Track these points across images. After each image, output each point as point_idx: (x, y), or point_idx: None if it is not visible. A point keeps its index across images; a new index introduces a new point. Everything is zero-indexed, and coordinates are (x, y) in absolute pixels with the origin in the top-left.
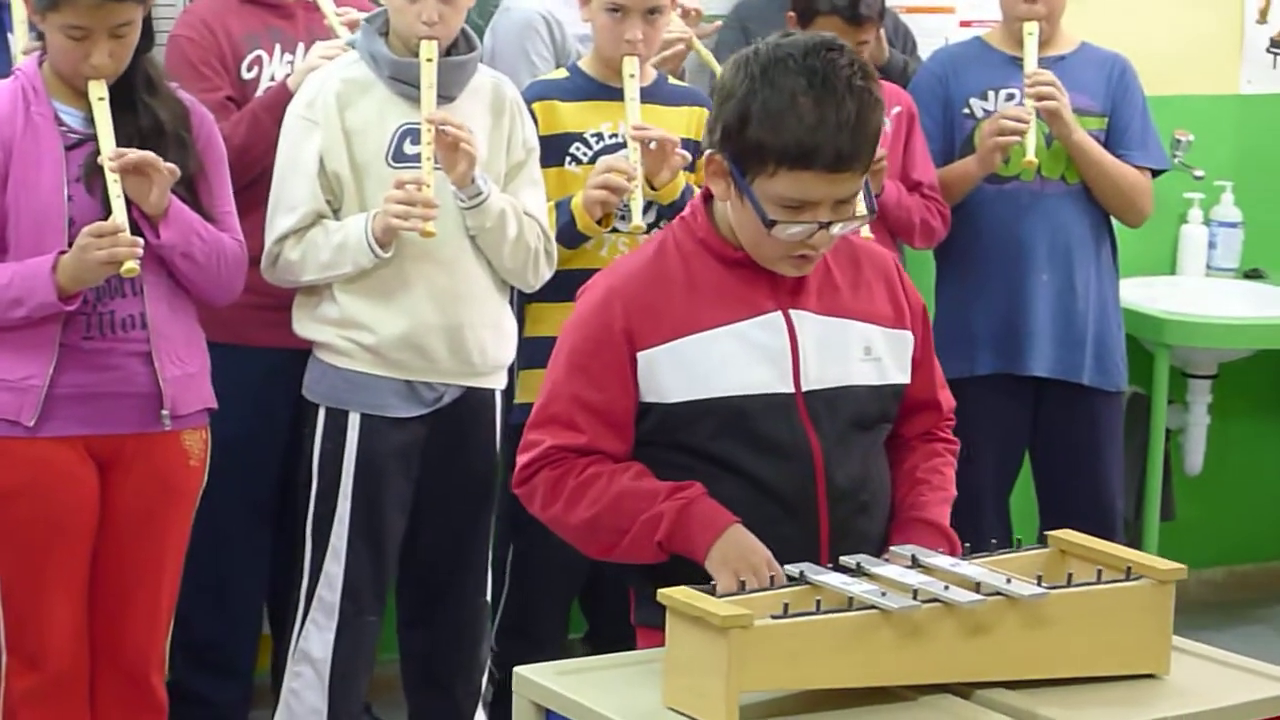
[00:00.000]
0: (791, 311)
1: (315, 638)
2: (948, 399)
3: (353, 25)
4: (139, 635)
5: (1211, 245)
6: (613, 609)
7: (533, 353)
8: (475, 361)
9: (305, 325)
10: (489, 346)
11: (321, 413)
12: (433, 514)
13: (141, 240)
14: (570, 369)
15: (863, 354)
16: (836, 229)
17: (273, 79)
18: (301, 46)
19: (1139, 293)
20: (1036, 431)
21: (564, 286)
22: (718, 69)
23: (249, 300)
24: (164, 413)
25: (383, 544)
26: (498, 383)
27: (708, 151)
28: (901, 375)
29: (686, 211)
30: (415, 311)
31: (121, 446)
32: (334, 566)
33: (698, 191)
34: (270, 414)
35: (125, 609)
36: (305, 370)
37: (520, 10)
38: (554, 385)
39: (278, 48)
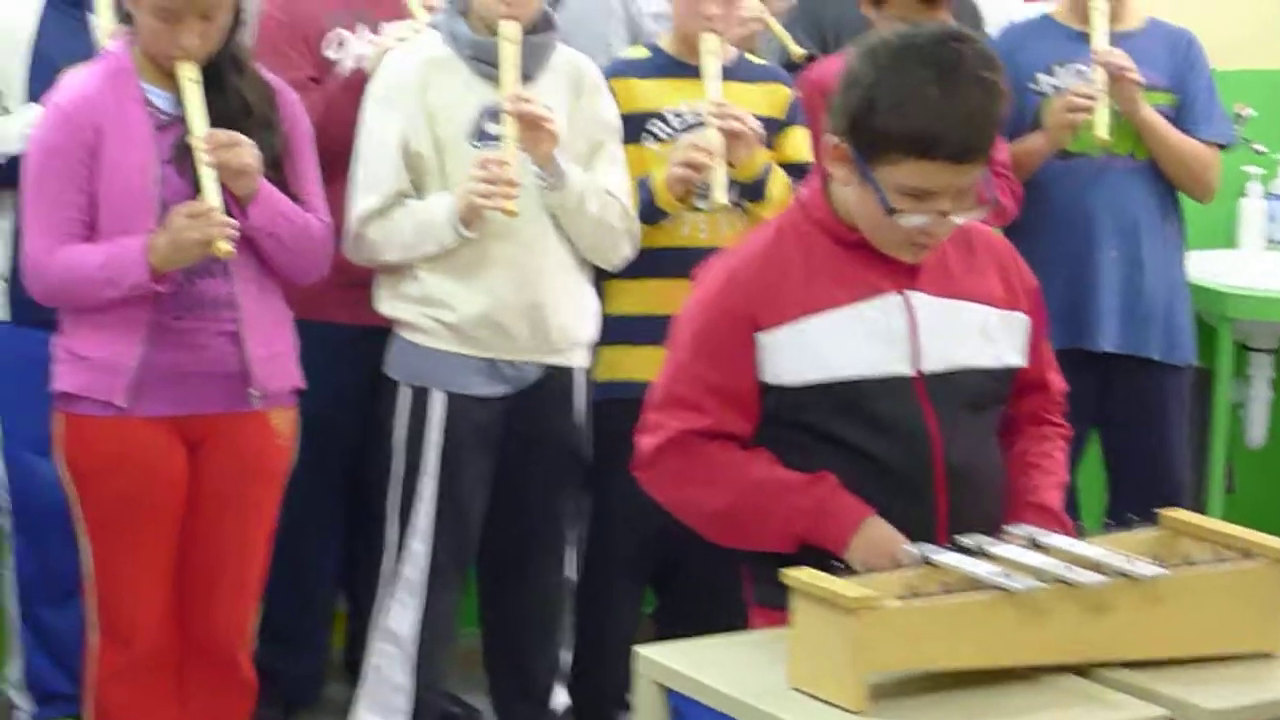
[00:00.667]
0: (909, 293)
1: (400, 615)
2: (1058, 381)
3: (430, 7)
4: (227, 615)
5: (1271, 219)
6: (684, 584)
7: (613, 330)
8: (555, 339)
9: (387, 303)
10: (569, 324)
11: (404, 390)
12: (515, 491)
13: (234, 220)
14: (694, 350)
15: (978, 335)
16: (957, 217)
17: (355, 58)
18: (384, 26)
19: (1199, 266)
20: (1103, 407)
21: (644, 264)
22: (792, 46)
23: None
24: (252, 392)
25: (466, 522)
26: (579, 360)
27: (830, 137)
28: (1016, 357)
29: (804, 194)
30: (496, 290)
31: (210, 426)
32: (418, 545)
33: (777, 169)
34: (345, 389)
35: (213, 589)
36: (381, 346)
37: None
38: (677, 367)
39: (360, 26)
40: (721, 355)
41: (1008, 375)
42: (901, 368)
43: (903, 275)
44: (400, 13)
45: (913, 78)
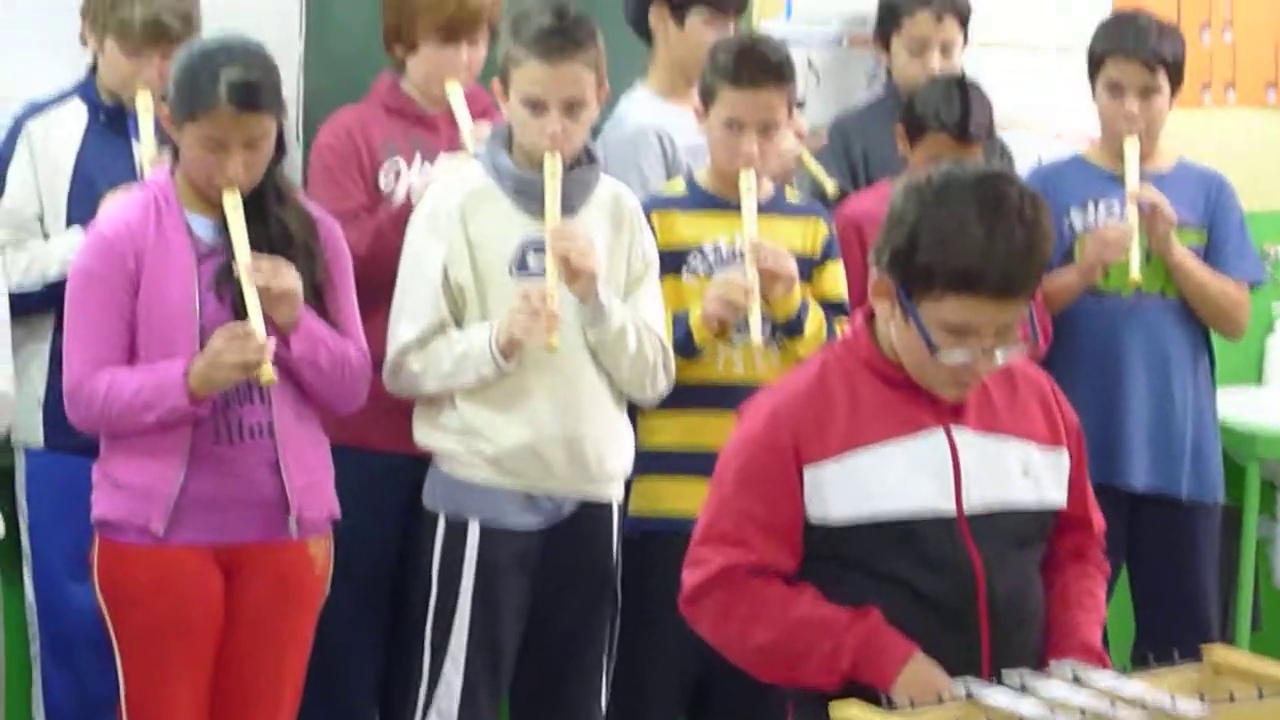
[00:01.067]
0: (953, 429)
1: None
2: (1099, 519)
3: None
4: None
5: None
6: (720, 717)
7: (646, 463)
8: (593, 472)
9: (426, 434)
10: (607, 457)
11: (441, 521)
12: (549, 622)
13: (273, 342)
14: (739, 485)
15: (1021, 472)
16: (1000, 354)
17: (408, 189)
18: (440, 158)
19: (1227, 403)
20: (1133, 543)
21: (680, 398)
22: (826, 181)
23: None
24: (291, 520)
25: (500, 652)
26: (614, 493)
27: (874, 274)
28: (1058, 494)
29: (848, 331)
30: (535, 422)
31: (248, 554)
32: (453, 675)
33: (813, 304)
34: (383, 517)
35: (248, 716)
36: (421, 475)
37: (632, 122)
38: (721, 502)
39: (418, 156)
40: (767, 490)
41: (1050, 513)
42: (946, 504)
43: (946, 411)
44: (456, 144)
45: (957, 214)
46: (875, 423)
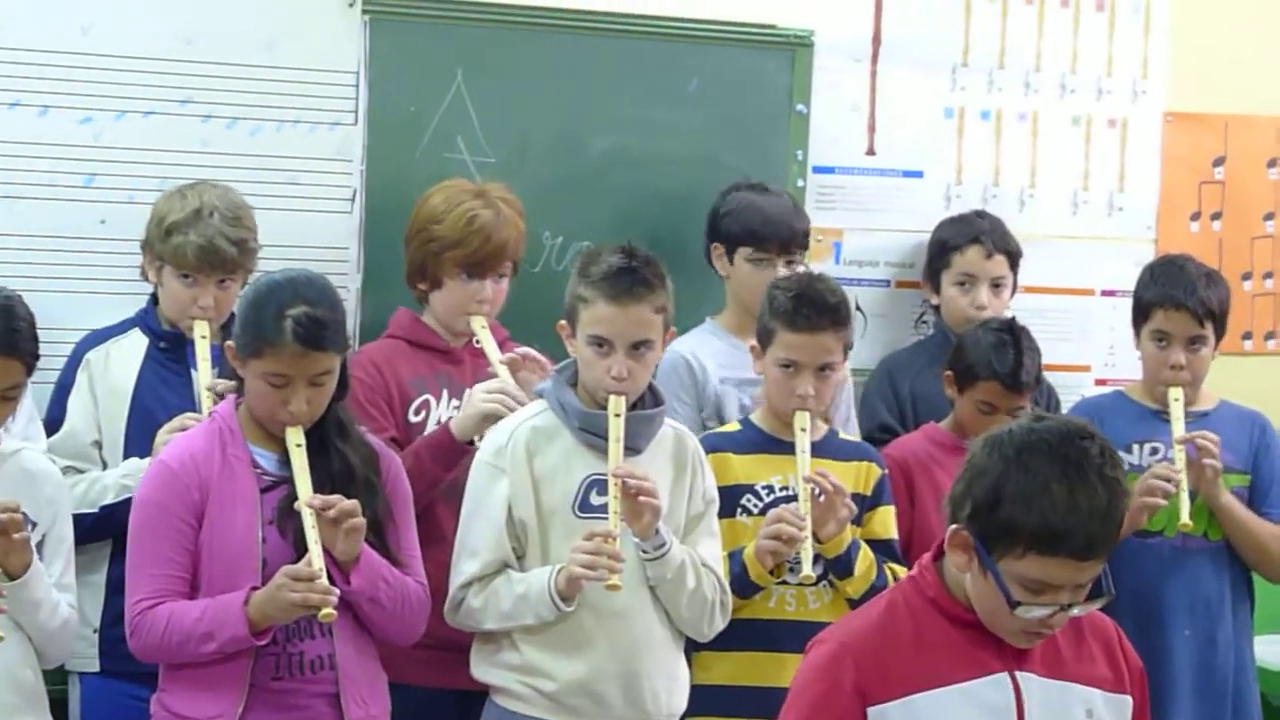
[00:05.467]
0: (1017, 673)
1: None
2: None
3: (514, 365)
4: None
5: None
6: None
7: (701, 700)
8: (649, 710)
9: (484, 670)
10: (663, 695)
11: None
12: None
13: (337, 590)
14: None
15: (1085, 716)
16: (1076, 610)
17: (438, 423)
18: (468, 392)
19: (1268, 650)
20: None
21: (732, 636)
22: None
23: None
24: None
25: None
26: None
27: (953, 526)
28: None
29: (915, 571)
30: (594, 659)
31: None
32: None
33: (864, 545)
34: None
35: None
36: (459, 710)
37: (671, 353)
38: None
39: (445, 392)
40: None
41: None
42: None
43: (1012, 655)
44: (481, 377)
45: (1040, 473)
46: (941, 664)
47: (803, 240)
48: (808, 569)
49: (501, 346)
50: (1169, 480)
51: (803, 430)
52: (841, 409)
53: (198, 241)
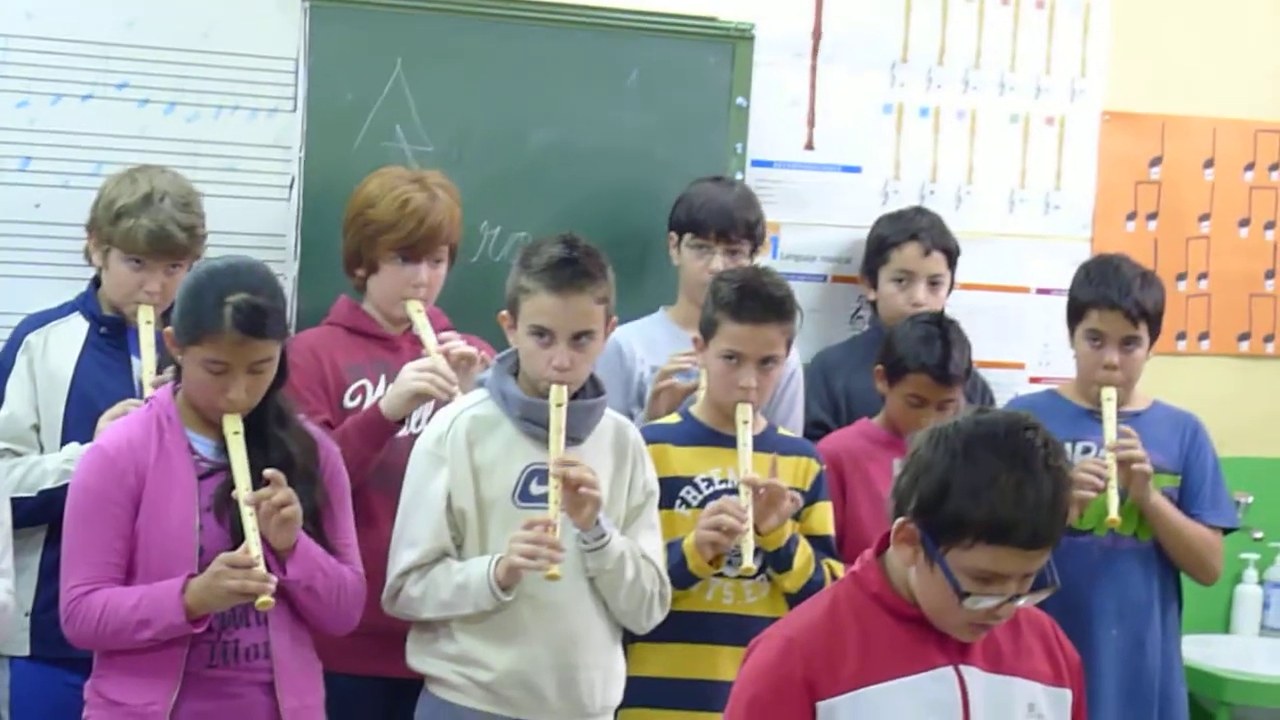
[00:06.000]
0: (961, 667)
1: None
2: None
3: (454, 356)
4: None
5: (1266, 605)
6: None
7: (636, 693)
8: (585, 703)
9: (421, 659)
10: (599, 689)
11: None
12: None
13: (275, 578)
14: (750, 718)
15: (1027, 711)
16: (1023, 600)
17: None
18: (403, 369)
19: (1195, 650)
20: None
21: (669, 629)
22: None
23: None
24: None
25: None
26: None
27: (899, 519)
28: None
29: (857, 566)
30: (530, 651)
31: None
32: None
33: (802, 539)
34: None
35: None
36: (389, 697)
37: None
38: None
39: (382, 379)
40: None
41: None
42: None
43: (955, 649)
44: None
45: (988, 466)
46: (886, 659)
47: (744, 230)
48: (748, 561)
49: (442, 336)
50: (1099, 475)
51: (745, 423)
52: (785, 403)
53: (149, 226)
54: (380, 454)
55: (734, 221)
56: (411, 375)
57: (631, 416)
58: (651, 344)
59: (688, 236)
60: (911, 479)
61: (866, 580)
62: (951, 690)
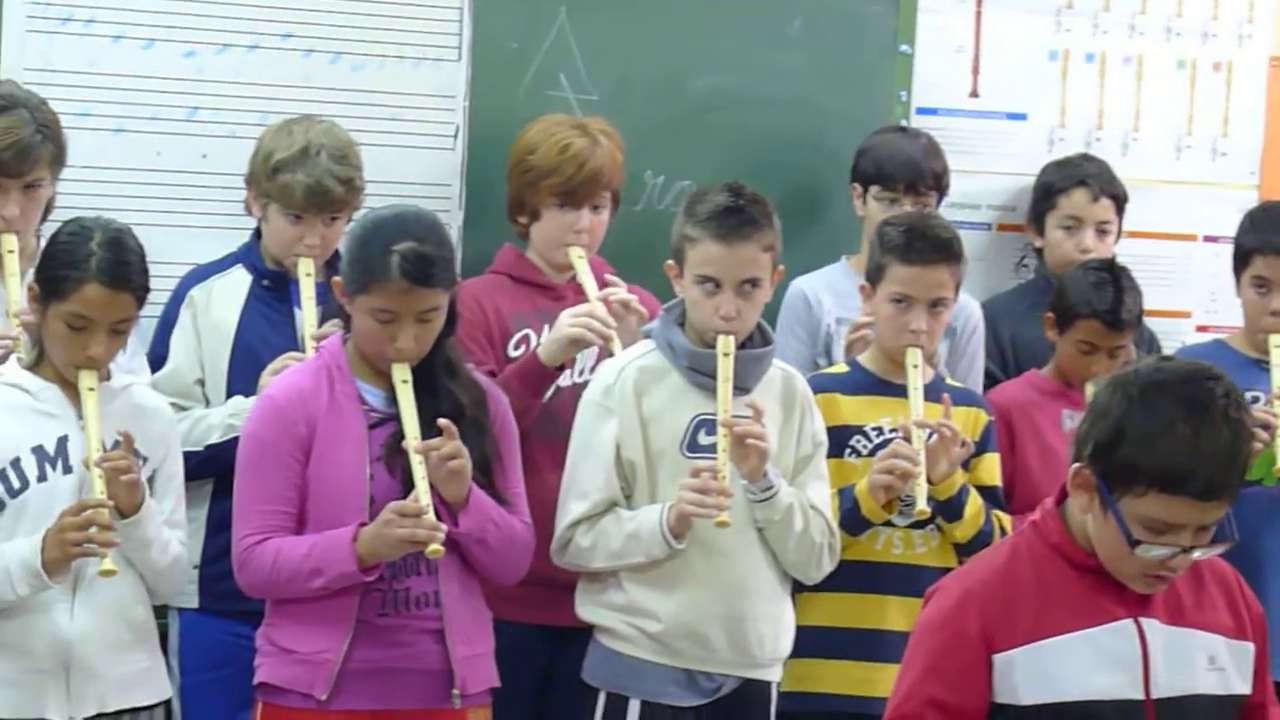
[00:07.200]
0: (1141, 619)
1: None
2: (1276, 713)
3: (612, 302)
4: None
5: None
6: None
7: (802, 642)
8: (755, 653)
9: (590, 610)
10: (768, 639)
11: (602, 697)
12: None
13: (444, 526)
14: (926, 671)
15: (1207, 663)
16: (1198, 553)
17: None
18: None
19: None
20: None
21: (837, 578)
22: None
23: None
24: (454, 692)
25: None
26: (774, 675)
27: (1075, 465)
28: (1244, 685)
29: (1037, 515)
30: (699, 601)
31: None
32: None
33: (972, 489)
34: (512, 688)
35: None
36: (551, 646)
37: (793, 289)
38: (909, 687)
39: (545, 328)
40: (953, 675)
41: (1236, 702)
42: (1134, 693)
43: (1135, 602)
44: None
45: (1163, 413)
46: (1065, 611)
47: (931, 181)
48: (921, 503)
49: (604, 285)
50: (1266, 425)
51: (915, 367)
52: (966, 357)
53: (306, 181)
54: (540, 401)
55: (921, 173)
56: (568, 320)
57: (818, 367)
58: (840, 295)
59: (874, 189)
60: (1089, 424)
61: (1047, 530)
62: (1131, 643)
